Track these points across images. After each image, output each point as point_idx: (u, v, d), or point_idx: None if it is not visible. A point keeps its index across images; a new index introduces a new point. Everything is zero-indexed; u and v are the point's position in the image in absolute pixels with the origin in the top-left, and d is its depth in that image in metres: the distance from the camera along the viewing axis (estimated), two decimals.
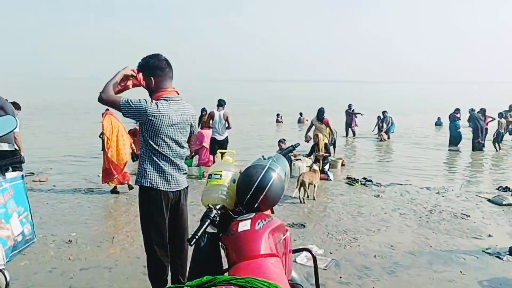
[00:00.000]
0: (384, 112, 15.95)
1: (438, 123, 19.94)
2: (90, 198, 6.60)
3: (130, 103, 2.49)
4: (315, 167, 7.07)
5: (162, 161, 2.59)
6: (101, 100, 2.53)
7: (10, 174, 2.02)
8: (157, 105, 2.53)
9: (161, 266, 2.71)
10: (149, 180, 2.58)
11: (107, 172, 6.68)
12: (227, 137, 8.44)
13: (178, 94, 2.68)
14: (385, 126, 15.37)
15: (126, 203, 6.22)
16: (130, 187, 6.81)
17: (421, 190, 7.38)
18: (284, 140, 8.99)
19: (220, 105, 8.45)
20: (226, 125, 8.34)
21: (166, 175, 2.61)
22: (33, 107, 26.37)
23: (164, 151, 2.60)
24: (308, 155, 8.77)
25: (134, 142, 7.72)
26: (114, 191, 6.80)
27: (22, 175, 2.07)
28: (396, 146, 13.70)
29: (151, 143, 2.57)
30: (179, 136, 2.65)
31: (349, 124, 15.68)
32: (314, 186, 6.68)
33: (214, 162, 8.39)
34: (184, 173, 2.73)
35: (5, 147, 6.59)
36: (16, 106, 6.51)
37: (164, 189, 2.60)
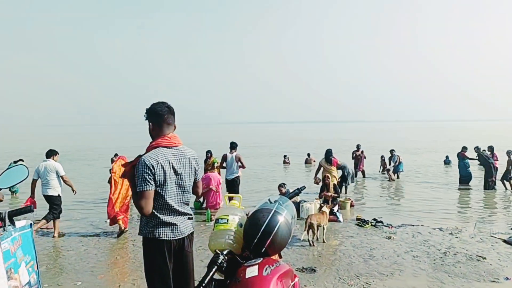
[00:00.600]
0: (392, 151, 15.88)
1: (447, 162, 19.79)
2: (97, 244, 6.54)
3: (143, 181, 2.47)
4: (325, 208, 6.99)
5: (165, 210, 2.56)
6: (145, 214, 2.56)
7: (19, 223, 2.03)
8: (154, 157, 2.50)
9: None
10: (151, 230, 2.54)
11: (111, 213, 6.94)
12: (238, 176, 8.88)
13: (179, 142, 2.65)
14: (392, 164, 15.26)
15: (133, 250, 6.14)
16: (120, 233, 6.98)
17: (434, 231, 7.21)
18: (284, 184, 8.93)
19: (233, 148, 9.00)
20: (239, 164, 8.86)
21: (170, 225, 2.57)
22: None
23: (168, 200, 2.56)
24: (319, 197, 8.72)
25: None
26: (121, 232, 6.95)
27: (31, 224, 2.09)
28: (405, 185, 13.55)
29: (156, 192, 2.53)
30: (183, 182, 2.63)
31: (357, 165, 15.58)
32: (324, 228, 6.57)
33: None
34: (189, 218, 2.69)
35: (50, 192, 6.84)
36: (53, 152, 7.24)
37: (167, 239, 2.56)
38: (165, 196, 2.53)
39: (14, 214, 2.00)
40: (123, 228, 6.97)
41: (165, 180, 2.51)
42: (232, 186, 8.71)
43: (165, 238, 2.54)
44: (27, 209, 2.06)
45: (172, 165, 2.54)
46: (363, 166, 15.59)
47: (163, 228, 2.54)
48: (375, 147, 25.87)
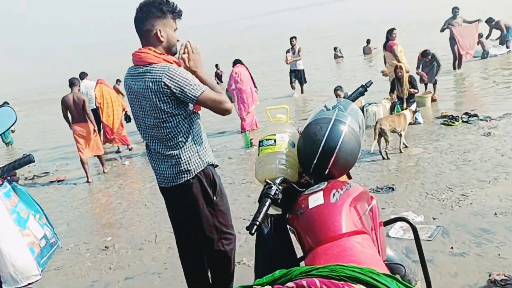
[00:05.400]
0: (490, 21, 13.88)
1: None
2: (119, 192, 6.97)
3: None
4: (406, 112, 6.82)
5: (147, 146, 2.78)
6: None
7: None
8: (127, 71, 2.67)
9: (182, 264, 2.93)
10: None
11: (105, 135, 9.52)
12: (302, 69, 13.12)
13: (142, 60, 2.52)
14: (493, 34, 14.09)
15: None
16: (130, 149, 9.76)
17: None
18: (341, 87, 8.77)
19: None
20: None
21: (152, 164, 2.77)
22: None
23: (138, 129, 2.75)
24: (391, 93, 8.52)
25: None
26: (118, 151, 9.68)
27: (18, 178, 2.24)
28: (505, 61, 12.88)
29: None
30: (141, 111, 2.59)
31: (454, 40, 12.41)
32: (400, 134, 6.50)
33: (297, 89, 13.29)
34: (172, 165, 2.62)
35: None
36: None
37: (159, 183, 2.78)
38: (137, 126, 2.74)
39: (12, 167, 2.11)
40: (122, 148, 9.71)
41: (130, 103, 2.70)
42: (300, 78, 13.11)
43: (158, 181, 2.79)
44: (27, 160, 2.16)
45: (130, 89, 2.61)
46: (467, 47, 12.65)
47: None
48: None
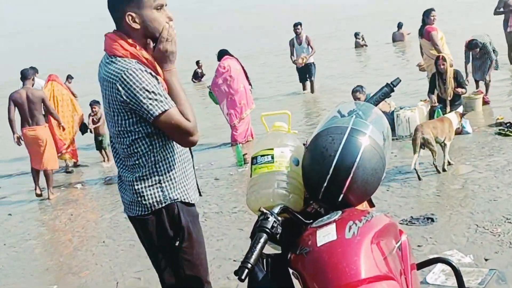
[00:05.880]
0: None
1: None
2: (69, 225, 6.95)
3: None
4: (452, 115, 6.78)
5: None
6: None
7: None
8: None
9: None
10: None
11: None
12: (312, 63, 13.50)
13: (107, 48, 2.49)
14: None
15: (128, 227, 6.45)
16: (77, 165, 10.15)
17: None
18: (362, 88, 8.76)
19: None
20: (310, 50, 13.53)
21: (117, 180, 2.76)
22: None
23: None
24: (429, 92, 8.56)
25: None
26: (67, 171, 9.80)
27: None
28: None
29: None
30: (106, 113, 2.57)
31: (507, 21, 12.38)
32: (444, 144, 6.46)
33: None
34: (127, 190, 2.59)
35: None
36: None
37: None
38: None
39: None
40: (70, 163, 9.86)
41: None
42: (309, 73, 13.45)
43: None
44: None
45: (100, 81, 2.55)
46: None
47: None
48: None
